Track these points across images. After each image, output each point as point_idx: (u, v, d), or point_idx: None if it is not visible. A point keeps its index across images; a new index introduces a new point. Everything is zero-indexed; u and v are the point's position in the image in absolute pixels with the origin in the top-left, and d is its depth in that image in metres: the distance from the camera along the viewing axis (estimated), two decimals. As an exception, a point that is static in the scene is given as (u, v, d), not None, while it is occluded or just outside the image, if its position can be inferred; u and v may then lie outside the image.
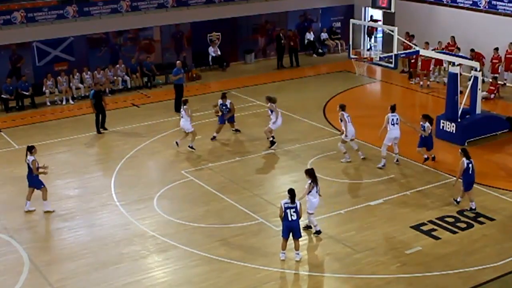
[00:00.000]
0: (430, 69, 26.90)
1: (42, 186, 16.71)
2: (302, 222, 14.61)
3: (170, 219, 16.18)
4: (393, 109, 18.82)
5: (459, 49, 25.93)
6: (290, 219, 13.68)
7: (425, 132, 18.57)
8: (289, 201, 13.69)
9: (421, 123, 18.65)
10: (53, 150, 21.09)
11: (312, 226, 15.20)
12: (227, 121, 21.60)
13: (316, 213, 15.93)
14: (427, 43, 26.39)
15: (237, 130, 21.84)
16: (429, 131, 18.66)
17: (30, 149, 16.75)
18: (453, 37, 27.00)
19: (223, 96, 21.44)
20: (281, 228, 15.17)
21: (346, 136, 18.85)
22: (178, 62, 25.07)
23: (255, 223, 15.82)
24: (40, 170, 16.64)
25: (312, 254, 14.54)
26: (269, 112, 20.23)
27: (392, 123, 18.59)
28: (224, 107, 21.32)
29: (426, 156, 18.84)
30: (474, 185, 16.36)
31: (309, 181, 14.75)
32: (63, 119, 24.28)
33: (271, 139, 20.26)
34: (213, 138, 21.22)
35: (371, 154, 19.70)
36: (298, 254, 14.04)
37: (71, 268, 14.10)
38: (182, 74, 24.62)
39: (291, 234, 13.87)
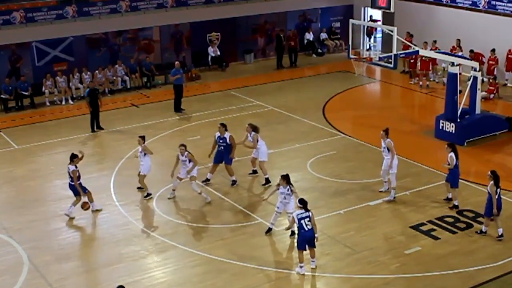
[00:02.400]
0: (430, 69, 26.89)
1: (86, 191, 16.44)
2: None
3: (170, 219, 16.18)
4: (387, 133, 16.61)
5: (460, 48, 25.87)
6: (306, 229, 13.31)
7: (450, 165, 16.08)
8: (302, 211, 13.35)
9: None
10: (53, 150, 21.09)
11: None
12: (224, 162, 17.78)
13: (316, 213, 15.93)
14: (425, 43, 26.39)
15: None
16: (454, 162, 15.99)
17: (72, 158, 16.31)
18: (458, 40, 26.85)
19: (223, 126, 17.72)
20: (281, 228, 15.21)
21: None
22: (176, 62, 25.06)
23: (255, 223, 15.81)
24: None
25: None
26: (255, 140, 17.83)
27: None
28: (221, 141, 17.69)
29: (454, 202, 16.33)
30: (473, 185, 16.35)
31: (289, 187, 14.64)
32: (62, 119, 24.27)
33: (267, 176, 17.85)
34: (206, 180, 17.98)
35: (371, 154, 19.70)
36: (313, 261, 13.70)
37: (70, 268, 14.09)
38: (180, 74, 24.60)
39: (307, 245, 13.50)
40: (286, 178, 14.65)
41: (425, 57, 25.22)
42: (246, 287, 13.20)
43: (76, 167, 16.29)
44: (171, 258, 14.40)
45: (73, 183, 16.25)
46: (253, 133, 17.91)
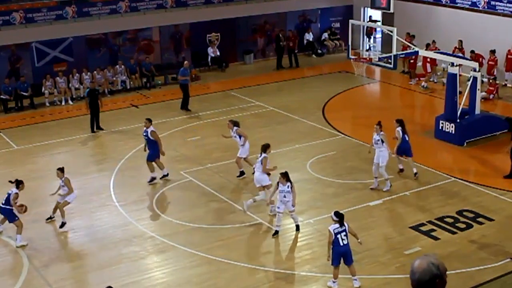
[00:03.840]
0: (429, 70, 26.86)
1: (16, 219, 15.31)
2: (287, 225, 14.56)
3: (169, 220, 16.18)
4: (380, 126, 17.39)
5: (462, 49, 25.85)
6: (341, 243, 12.47)
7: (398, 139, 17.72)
8: (338, 225, 12.51)
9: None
10: (52, 151, 21.09)
11: (294, 221, 15.20)
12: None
13: (316, 214, 16.00)
14: (428, 44, 26.38)
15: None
16: (400, 135, 17.64)
17: (18, 184, 15.35)
18: (460, 41, 26.84)
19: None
20: (280, 228, 15.19)
21: None
22: (185, 62, 25.28)
23: (254, 223, 15.80)
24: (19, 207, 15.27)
25: (312, 254, 14.52)
26: (238, 138, 17.96)
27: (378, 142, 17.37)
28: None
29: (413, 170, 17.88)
30: (473, 185, 16.34)
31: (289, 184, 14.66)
32: (62, 120, 24.27)
33: (242, 169, 18.20)
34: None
35: (371, 155, 19.66)
36: (355, 279, 12.86)
37: (70, 268, 14.10)
38: (187, 74, 24.77)
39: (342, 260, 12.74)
40: (285, 176, 14.62)
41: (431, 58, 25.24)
42: (246, 287, 13.19)
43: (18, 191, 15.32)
44: (170, 259, 14.39)
45: (7, 207, 15.25)
46: (235, 128, 18.02)
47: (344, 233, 12.52)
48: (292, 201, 14.71)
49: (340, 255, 12.60)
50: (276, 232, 15.11)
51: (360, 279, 13.23)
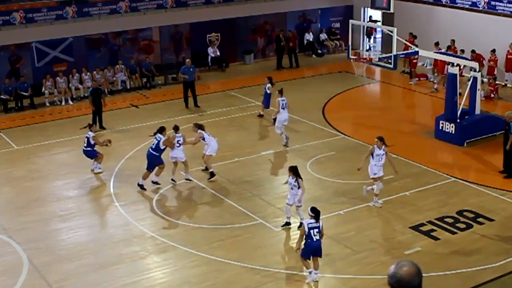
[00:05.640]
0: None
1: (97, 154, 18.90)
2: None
3: (170, 220, 16.18)
4: (281, 92, 20.74)
5: (463, 51, 25.81)
6: (314, 239, 12.83)
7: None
8: (313, 221, 12.89)
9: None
10: (52, 151, 21.09)
11: (299, 217, 15.25)
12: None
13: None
14: (436, 43, 26.40)
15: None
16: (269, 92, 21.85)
17: (90, 126, 19.40)
18: (453, 40, 26.86)
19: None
20: (280, 229, 15.21)
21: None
22: (187, 60, 25.44)
23: (254, 223, 15.80)
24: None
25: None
26: (203, 140, 18.32)
27: (282, 107, 20.33)
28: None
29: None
30: (473, 185, 16.32)
31: (296, 179, 14.87)
32: (62, 120, 24.27)
33: (211, 169, 18.32)
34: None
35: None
36: (316, 273, 13.21)
37: (70, 268, 14.08)
38: (189, 73, 24.91)
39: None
40: (292, 170, 14.90)
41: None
42: (246, 287, 13.19)
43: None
44: (171, 259, 14.39)
45: (88, 148, 18.63)
46: (199, 131, 18.33)
47: (317, 229, 12.89)
48: (299, 197, 14.91)
49: (312, 249, 12.97)
50: (286, 224, 15.30)
51: (360, 279, 13.24)
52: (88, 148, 18.73)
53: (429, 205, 16.53)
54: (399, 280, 4.70)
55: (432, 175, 18.26)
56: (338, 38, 33.33)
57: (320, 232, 12.96)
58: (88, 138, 18.71)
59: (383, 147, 16.05)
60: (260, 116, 23.24)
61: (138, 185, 17.73)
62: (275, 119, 21.01)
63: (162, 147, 17.65)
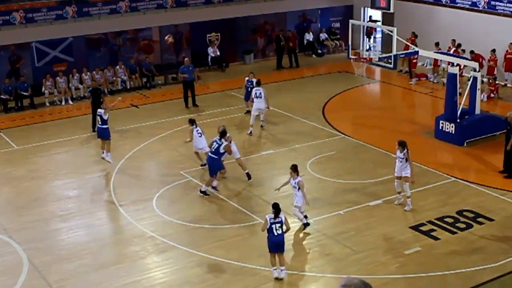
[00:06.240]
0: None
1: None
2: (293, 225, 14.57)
3: (170, 220, 16.17)
4: (258, 83, 22.14)
5: (463, 51, 25.81)
6: (275, 233, 13.10)
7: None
8: (273, 216, 13.17)
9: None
10: (52, 151, 21.09)
11: (299, 219, 15.24)
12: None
13: (316, 214, 15.97)
14: (436, 43, 26.40)
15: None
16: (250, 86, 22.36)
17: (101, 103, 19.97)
18: (453, 40, 26.87)
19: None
20: (304, 221, 15.22)
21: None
22: (186, 59, 25.46)
23: (254, 223, 15.80)
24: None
25: (312, 254, 14.53)
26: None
27: (255, 95, 21.55)
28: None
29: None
30: (473, 185, 16.32)
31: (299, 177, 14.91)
32: (62, 120, 24.27)
33: (247, 170, 18.33)
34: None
35: (371, 155, 19.71)
36: (283, 269, 13.33)
37: (70, 268, 14.08)
38: (188, 72, 24.91)
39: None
40: (293, 168, 14.92)
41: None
42: (246, 287, 13.19)
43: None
44: (170, 259, 14.39)
45: (104, 126, 19.15)
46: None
47: (279, 224, 13.10)
48: (305, 198, 14.93)
49: (274, 243, 13.15)
50: (307, 224, 15.23)
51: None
52: (104, 126, 19.23)
53: (429, 205, 16.53)
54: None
55: (432, 175, 18.26)
56: (338, 38, 33.33)
57: (282, 228, 13.13)
58: (100, 115, 19.23)
59: (405, 151, 15.95)
60: (248, 112, 23.14)
61: (201, 191, 17.24)
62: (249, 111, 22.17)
63: (221, 151, 17.27)
